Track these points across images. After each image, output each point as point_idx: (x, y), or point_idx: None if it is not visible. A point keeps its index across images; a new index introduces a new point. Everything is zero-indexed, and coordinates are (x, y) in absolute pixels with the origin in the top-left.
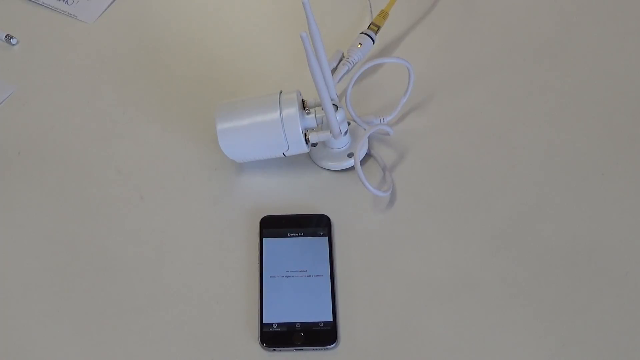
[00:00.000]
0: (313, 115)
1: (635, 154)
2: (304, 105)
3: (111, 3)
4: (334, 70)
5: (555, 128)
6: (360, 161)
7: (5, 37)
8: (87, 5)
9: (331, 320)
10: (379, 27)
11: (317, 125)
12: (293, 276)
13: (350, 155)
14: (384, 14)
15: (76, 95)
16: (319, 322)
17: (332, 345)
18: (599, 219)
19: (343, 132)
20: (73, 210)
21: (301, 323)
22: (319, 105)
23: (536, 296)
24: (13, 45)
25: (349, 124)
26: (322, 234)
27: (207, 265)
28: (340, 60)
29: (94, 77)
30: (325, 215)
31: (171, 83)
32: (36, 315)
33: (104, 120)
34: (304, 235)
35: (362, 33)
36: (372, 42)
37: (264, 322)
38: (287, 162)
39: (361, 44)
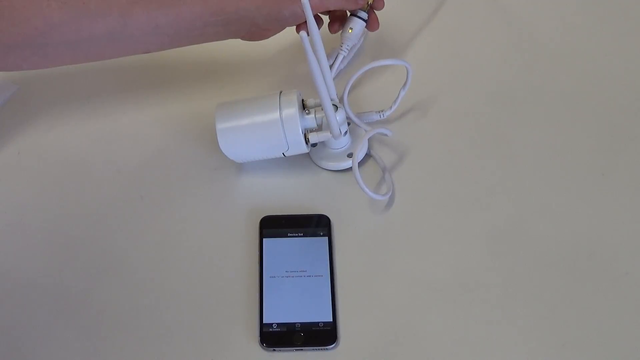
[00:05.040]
0: (313, 115)
1: (635, 154)
2: (304, 106)
3: None
4: (331, 67)
5: (555, 128)
6: (360, 161)
7: None
8: None
9: (331, 320)
10: (368, 3)
11: (317, 125)
12: (293, 276)
13: (350, 155)
14: None
15: (76, 95)
16: (318, 323)
17: (332, 346)
18: (599, 219)
19: (343, 133)
20: (73, 210)
21: (301, 323)
22: (319, 105)
23: (536, 296)
24: None
25: (348, 124)
26: (322, 234)
27: (207, 265)
28: (337, 56)
29: (95, 77)
30: (325, 216)
31: (171, 83)
32: (36, 315)
33: (104, 120)
34: (304, 236)
35: (350, 15)
36: (363, 22)
37: (264, 322)
38: (287, 162)
39: (352, 29)
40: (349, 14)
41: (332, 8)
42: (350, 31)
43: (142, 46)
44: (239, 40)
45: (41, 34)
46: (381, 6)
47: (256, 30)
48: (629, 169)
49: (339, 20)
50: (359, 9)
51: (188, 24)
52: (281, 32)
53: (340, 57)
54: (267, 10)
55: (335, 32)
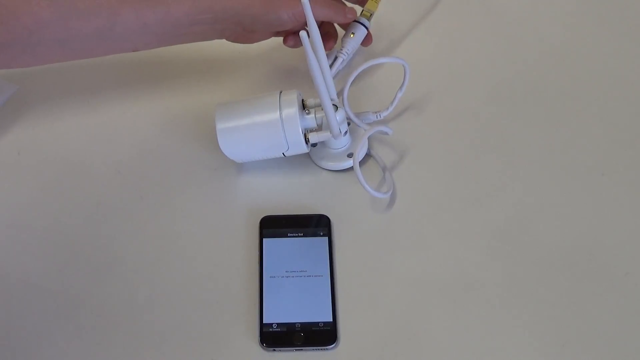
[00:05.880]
0: (313, 115)
1: (635, 154)
2: (304, 106)
3: None
4: (330, 67)
5: (555, 127)
6: (360, 161)
7: None
8: None
9: (331, 320)
10: (372, 13)
11: (317, 125)
12: (293, 276)
13: (350, 155)
14: None
15: (76, 95)
16: (318, 322)
17: (332, 346)
18: (599, 219)
19: (343, 133)
20: (73, 210)
21: (301, 323)
22: (319, 105)
23: (536, 296)
24: None
25: (348, 124)
26: (322, 234)
27: (207, 265)
28: (336, 57)
29: (94, 77)
30: (325, 216)
31: (171, 83)
32: (36, 315)
33: (104, 120)
34: (304, 236)
35: (354, 21)
36: (365, 30)
37: (264, 322)
38: (287, 162)
39: (354, 34)
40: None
41: (320, 19)
42: (352, 36)
43: (130, 44)
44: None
45: (31, 33)
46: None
47: (242, 32)
48: (629, 169)
49: (332, 38)
50: (358, 21)
51: (176, 23)
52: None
53: (339, 60)
54: (254, 12)
55: (329, 49)
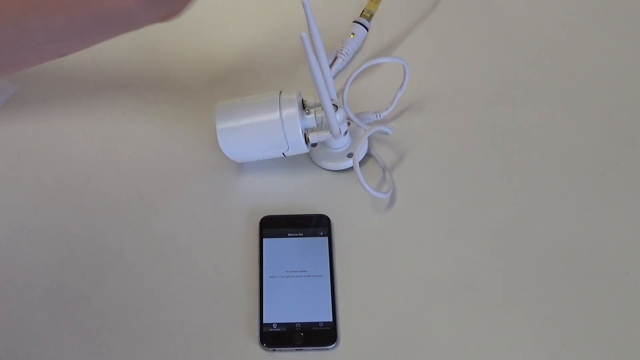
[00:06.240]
0: (313, 115)
1: (635, 154)
2: (304, 106)
3: None
4: (330, 67)
5: (555, 128)
6: (360, 161)
7: None
8: None
9: (331, 320)
10: (372, 14)
11: (317, 125)
12: (293, 276)
13: (350, 155)
14: None
15: (76, 95)
16: (318, 322)
17: (332, 346)
18: (599, 219)
19: (343, 133)
20: (73, 210)
21: (301, 323)
22: (319, 105)
23: (536, 296)
24: None
25: (348, 124)
26: (322, 234)
27: (207, 265)
28: (336, 57)
29: (94, 77)
30: (325, 216)
31: (171, 83)
32: (36, 315)
33: (104, 120)
34: (304, 236)
35: (354, 22)
36: (365, 30)
37: (264, 322)
38: (287, 162)
39: (354, 34)
40: None
41: None
42: (352, 36)
43: (52, 48)
44: (239, 40)
45: None
46: None
47: (160, 10)
48: (629, 169)
49: None
50: (358, 21)
51: (85, 26)
52: (280, 32)
53: (339, 60)
54: None
55: None
